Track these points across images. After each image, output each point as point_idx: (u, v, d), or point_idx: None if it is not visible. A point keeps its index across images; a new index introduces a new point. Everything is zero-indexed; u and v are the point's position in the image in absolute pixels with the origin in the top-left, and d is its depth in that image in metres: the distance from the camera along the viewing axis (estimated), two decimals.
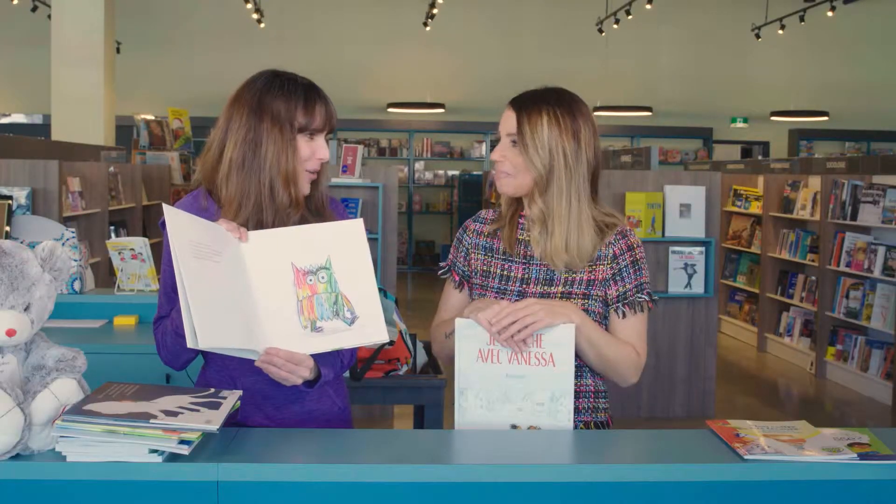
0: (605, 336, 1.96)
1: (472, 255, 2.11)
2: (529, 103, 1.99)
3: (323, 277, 1.82)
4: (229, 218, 1.87)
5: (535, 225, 2.00)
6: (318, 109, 1.91)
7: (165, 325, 1.93)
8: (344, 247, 1.86)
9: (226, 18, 13.60)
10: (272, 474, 1.56)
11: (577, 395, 2.00)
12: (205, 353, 1.95)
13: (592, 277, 2.00)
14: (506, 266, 2.05)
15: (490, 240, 2.09)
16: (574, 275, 1.99)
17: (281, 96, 1.89)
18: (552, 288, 1.99)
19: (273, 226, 1.89)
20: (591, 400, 2.03)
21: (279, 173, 1.87)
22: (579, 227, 1.96)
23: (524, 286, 2.01)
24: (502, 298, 2.00)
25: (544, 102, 1.98)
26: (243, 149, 1.88)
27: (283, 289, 1.81)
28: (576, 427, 1.98)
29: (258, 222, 1.89)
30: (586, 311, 1.98)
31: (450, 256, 2.17)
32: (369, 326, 1.84)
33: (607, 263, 2.00)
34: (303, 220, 1.96)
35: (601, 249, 2.00)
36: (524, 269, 2.03)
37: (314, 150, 1.92)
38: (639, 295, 2.01)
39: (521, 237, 2.05)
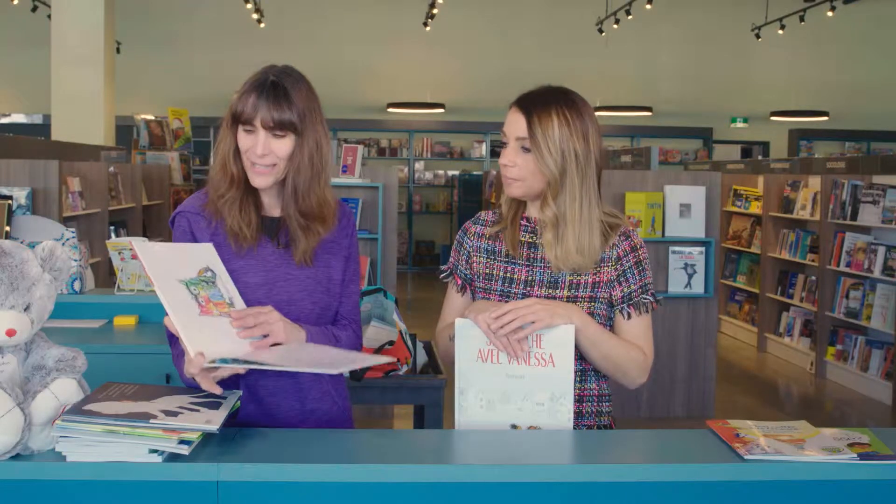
0: (609, 337, 1.95)
1: (474, 258, 2.08)
2: (538, 104, 1.93)
3: (207, 288, 1.83)
4: (212, 210, 1.95)
5: (548, 228, 1.96)
6: (248, 100, 1.89)
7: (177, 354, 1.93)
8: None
9: (226, 18, 13.60)
10: (272, 474, 1.56)
11: (582, 399, 2.00)
12: None
13: (597, 279, 1.98)
14: (509, 268, 2.02)
15: (492, 242, 2.06)
16: (579, 277, 1.97)
17: (239, 88, 1.95)
18: (557, 291, 1.97)
19: (228, 212, 1.94)
20: (595, 404, 2.03)
21: (219, 159, 1.94)
22: (590, 229, 1.94)
23: (528, 288, 1.99)
24: (506, 301, 1.98)
25: (553, 103, 1.93)
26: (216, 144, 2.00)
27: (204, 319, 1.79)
28: (579, 430, 1.98)
29: (216, 209, 1.94)
30: (592, 313, 1.96)
31: (451, 260, 2.14)
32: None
33: (612, 265, 1.99)
34: (296, 216, 1.97)
35: (605, 251, 1.98)
36: (528, 271, 2.01)
37: (252, 144, 1.90)
38: (644, 296, 2.00)
39: (524, 239, 2.03)
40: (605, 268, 1.99)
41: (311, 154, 1.94)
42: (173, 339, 1.91)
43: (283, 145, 1.91)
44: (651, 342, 2.01)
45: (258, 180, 1.93)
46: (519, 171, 1.95)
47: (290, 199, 1.96)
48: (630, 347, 1.97)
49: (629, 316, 1.99)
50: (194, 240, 1.96)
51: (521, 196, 2.00)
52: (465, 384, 1.90)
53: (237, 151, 1.93)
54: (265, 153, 1.89)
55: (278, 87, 1.90)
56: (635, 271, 1.99)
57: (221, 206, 1.94)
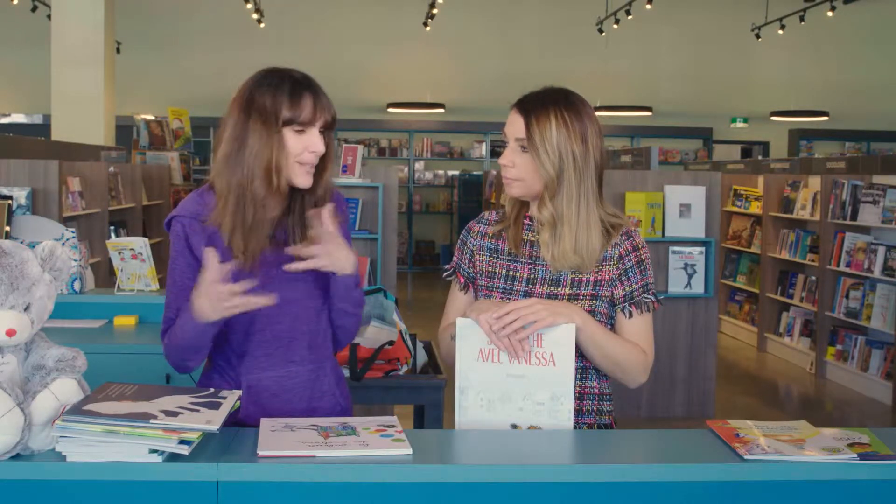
0: (610, 336, 1.96)
1: (477, 256, 2.09)
2: (537, 106, 1.95)
3: None
4: (219, 215, 1.89)
5: (545, 228, 1.98)
6: (306, 102, 1.89)
7: (171, 337, 1.95)
8: None
9: (226, 18, 13.60)
10: (272, 474, 1.56)
11: (582, 397, 2.00)
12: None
13: (599, 278, 1.99)
14: (511, 266, 2.03)
15: (495, 241, 2.07)
16: (581, 276, 1.98)
17: (268, 91, 1.89)
18: (559, 289, 1.98)
19: (253, 221, 1.89)
20: (596, 402, 2.03)
21: (261, 166, 1.87)
22: (588, 230, 1.95)
23: (530, 286, 2.00)
24: (508, 299, 1.99)
25: (552, 104, 1.95)
26: (232, 145, 1.89)
27: None
28: (579, 429, 1.98)
29: (241, 219, 1.89)
30: (593, 311, 1.97)
31: (454, 258, 2.15)
32: None
33: (613, 264, 2.00)
34: (300, 214, 1.96)
35: (607, 250, 1.99)
36: (530, 269, 2.01)
37: (306, 145, 1.90)
38: (645, 295, 2.00)
39: (526, 237, 2.04)
40: (607, 266, 1.99)
41: (334, 147, 2.00)
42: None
43: (324, 143, 1.94)
44: (652, 341, 2.02)
45: (307, 179, 1.93)
46: (518, 171, 1.97)
47: (318, 195, 1.97)
48: (631, 347, 1.98)
49: (630, 315, 2.00)
50: (188, 245, 1.94)
51: (521, 196, 2.01)
52: (465, 383, 1.90)
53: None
54: (323, 150, 1.92)
55: (319, 86, 1.94)
56: (637, 270, 2.00)
57: (261, 212, 1.90)
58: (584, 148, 1.94)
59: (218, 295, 1.77)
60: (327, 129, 1.95)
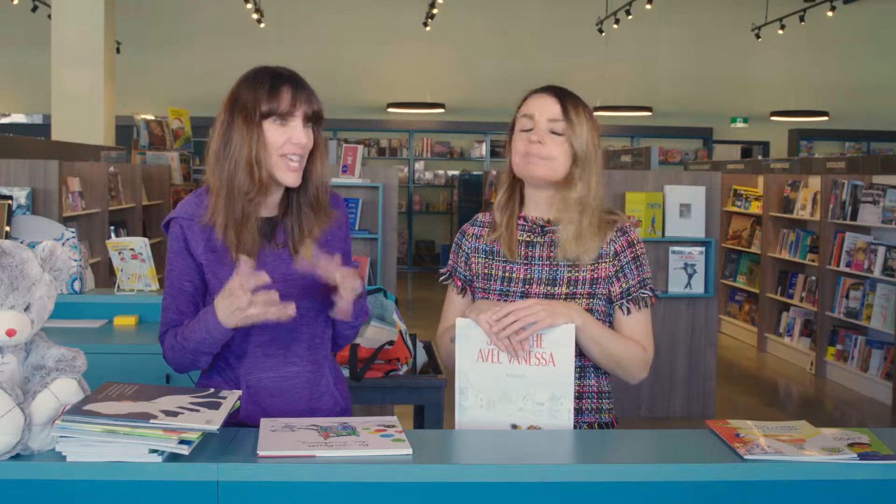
0: (609, 334, 1.96)
1: (473, 259, 2.10)
2: (569, 96, 2.02)
3: None
4: (212, 212, 1.89)
5: (573, 208, 1.99)
6: (284, 94, 1.89)
7: (175, 337, 1.94)
8: None
9: (226, 18, 13.60)
10: (272, 474, 1.56)
11: (581, 395, 2.00)
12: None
13: (595, 276, 2.00)
14: (507, 268, 2.04)
15: (490, 243, 2.08)
16: (577, 274, 1.99)
17: (250, 86, 1.91)
18: (556, 289, 1.99)
19: (243, 216, 1.89)
20: (595, 401, 2.03)
21: (243, 160, 1.88)
22: (591, 222, 1.98)
23: (527, 287, 2.00)
24: (505, 300, 1.99)
25: (579, 99, 2.03)
26: (219, 142, 1.91)
27: None
28: (579, 428, 1.98)
29: (231, 213, 1.89)
30: (591, 310, 1.98)
31: (450, 262, 2.16)
32: None
33: (609, 261, 2.00)
34: (297, 213, 1.96)
35: (602, 247, 2.00)
36: (526, 269, 2.02)
37: (288, 136, 1.89)
38: (642, 291, 2.01)
39: (521, 238, 2.04)
40: (604, 264, 2.00)
41: (325, 143, 1.98)
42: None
43: (310, 137, 1.93)
44: (651, 337, 2.03)
45: (292, 177, 1.92)
46: (549, 150, 1.98)
47: (310, 192, 1.96)
48: (630, 344, 1.98)
49: (628, 311, 2.00)
50: (187, 247, 1.94)
51: (545, 177, 2.00)
52: (465, 384, 1.91)
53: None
54: (307, 143, 1.91)
55: (302, 80, 1.93)
56: (633, 266, 2.01)
57: (248, 206, 1.90)
58: (598, 144, 2.02)
59: (238, 303, 1.77)
60: (312, 123, 1.94)
